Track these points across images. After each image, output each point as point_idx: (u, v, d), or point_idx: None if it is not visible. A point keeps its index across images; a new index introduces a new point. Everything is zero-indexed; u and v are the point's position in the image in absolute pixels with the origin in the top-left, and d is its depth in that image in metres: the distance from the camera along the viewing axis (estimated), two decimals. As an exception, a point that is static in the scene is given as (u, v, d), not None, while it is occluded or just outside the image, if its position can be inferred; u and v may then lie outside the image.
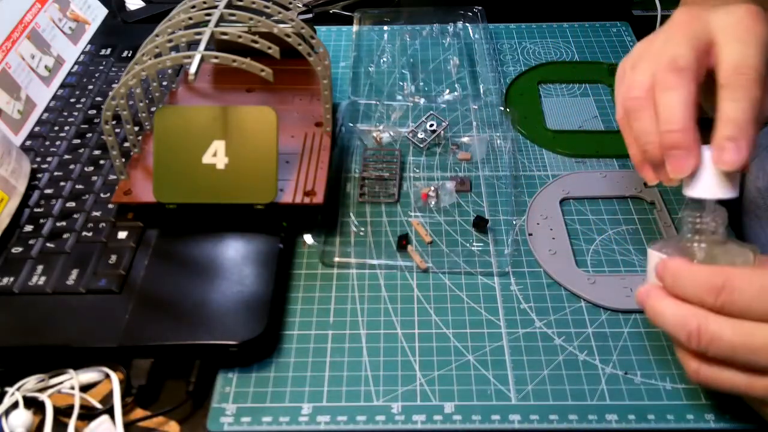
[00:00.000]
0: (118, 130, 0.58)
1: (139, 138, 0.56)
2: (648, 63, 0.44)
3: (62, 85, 0.68)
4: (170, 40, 0.50)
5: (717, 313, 0.39)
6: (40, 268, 0.50)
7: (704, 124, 0.43)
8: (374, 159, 0.61)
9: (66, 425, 0.43)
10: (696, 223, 0.42)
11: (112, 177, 0.57)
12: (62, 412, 0.44)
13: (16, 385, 0.45)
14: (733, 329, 0.38)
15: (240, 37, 0.49)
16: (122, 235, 0.52)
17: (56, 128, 0.63)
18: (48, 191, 0.56)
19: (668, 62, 0.43)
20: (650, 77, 0.44)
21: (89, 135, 0.62)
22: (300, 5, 0.57)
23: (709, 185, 0.42)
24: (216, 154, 0.50)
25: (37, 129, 0.63)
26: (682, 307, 0.40)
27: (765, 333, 0.37)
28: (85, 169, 0.58)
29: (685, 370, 0.41)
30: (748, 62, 0.41)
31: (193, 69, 0.47)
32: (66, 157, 0.60)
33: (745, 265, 0.41)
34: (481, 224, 0.55)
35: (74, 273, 0.49)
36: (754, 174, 0.73)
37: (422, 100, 0.68)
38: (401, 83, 0.70)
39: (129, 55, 0.73)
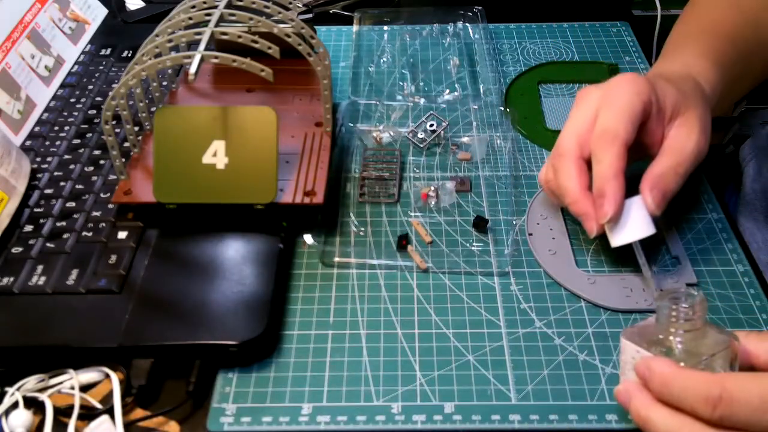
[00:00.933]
0: (118, 130, 0.58)
1: (139, 138, 0.56)
2: (552, 152, 0.52)
3: (62, 85, 0.68)
4: (170, 40, 0.50)
5: (714, 426, 0.36)
6: (40, 268, 0.50)
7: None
8: (374, 159, 0.61)
9: (66, 425, 0.43)
10: (673, 313, 0.40)
11: (112, 177, 0.57)
12: (62, 412, 0.44)
13: (16, 385, 0.45)
14: None
15: (240, 37, 0.49)
16: (122, 235, 0.52)
17: (56, 128, 0.63)
18: (48, 191, 0.56)
19: (557, 149, 0.51)
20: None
21: (89, 135, 0.62)
22: (300, 5, 0.57)
23: (622, 233, 0.48)
24: (216, 154, 0.50)
25: (37, 129, 0.63)
26: (676, 418, 0.37)
27: None
28: (85, 169, 0.58)
29: None
30: (607, 126, 0.48)
31: (193, 69, 0.47)
32: (66, 157, 0.60)
33: (726, 353, 0.39)
34: (481, 224, 0.55)
35: (74, 273, 0.49)
36: (752, 176, 0.74)
37: (422, 100, 0.68)
38: (401, 83, 0.70)
39: (129, 55, 0.73)
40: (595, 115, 0.49)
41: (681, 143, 0.49)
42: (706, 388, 0.36)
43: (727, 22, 0.60)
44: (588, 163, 0.49)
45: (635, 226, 0.48)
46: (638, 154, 0.51)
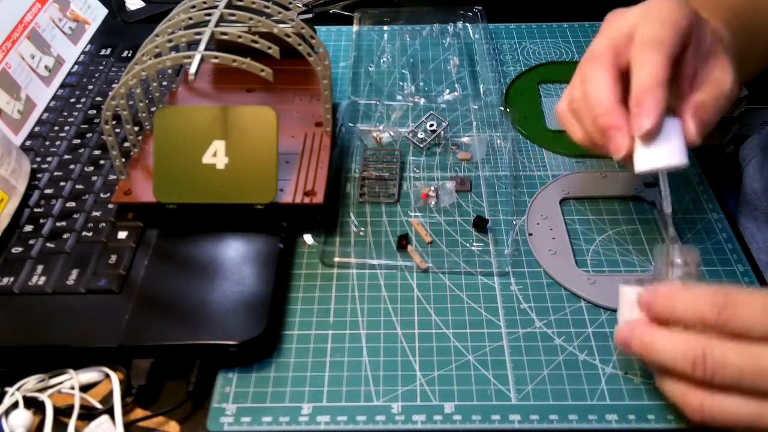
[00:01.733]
0: (118, 130, 0.58)
1: (139, 138, 0.56)
2: (580, 63, 0.48)
3: (62, 85, 0.68)
4: (170, 40, 0.50)
5: (718, 332, 0.37)
6: (40, 268, 0.50)
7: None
8: (374, 159, 0.61)
9: (66, 425, 0.43)
10: (668, 261, 0.42)
11: (112, 177, 0.57)
12: (62, 412, 0.44)
13: (16, 385, 0.45)
14: (739, 352, 0.37)
15: (240, 37, 0.49)
16: (122, 235, 0.52)
17: (56, 128, 0.63)
18: (48, 191, 0.56)
19: (587, 56, 0.47)
20: (580, 76, 0.48)
21: (89, 135, 0.62)
22: (300, 5, 0.57)
23: (653, 156, 0.43)
24: (216, 154, 0.50)
25: (37, 129, 0.63)
26: (681, 335, 0.39)
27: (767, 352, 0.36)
28: (85, 169, 0.58)
29: (686, 410, 0.39)
30: (651, 34, 0.43)
31: (193, 69, 0.47)
32: (66, 157, 0.60)
33: None
34: (480, 224, 0.55)
35: (74, 273, 0.49)
36: (751, 176, 0.74)
37: (422, 100, 0.68)
38: (401, 83, 0.70)
39: (129, 55, 0.73)
40: (633, 30, 0.45)
41: (719, 77, 0.45)
42: (712, 295, 0.38)
43: None
44: (624, 78, 0.45)
45: (669, 151, 0.43)
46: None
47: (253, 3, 0.53)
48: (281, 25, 0.52)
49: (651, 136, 0.43)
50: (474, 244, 0.54)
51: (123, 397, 0.44)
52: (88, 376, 0.46)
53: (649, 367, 0.44)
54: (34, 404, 0.44)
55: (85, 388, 0.45)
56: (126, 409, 0.44)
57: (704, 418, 0.38)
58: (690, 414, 0.39)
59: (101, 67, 0.71)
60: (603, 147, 0.46)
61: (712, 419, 0.38)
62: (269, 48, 0.49)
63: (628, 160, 0.45)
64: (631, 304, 0.42)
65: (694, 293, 0.39)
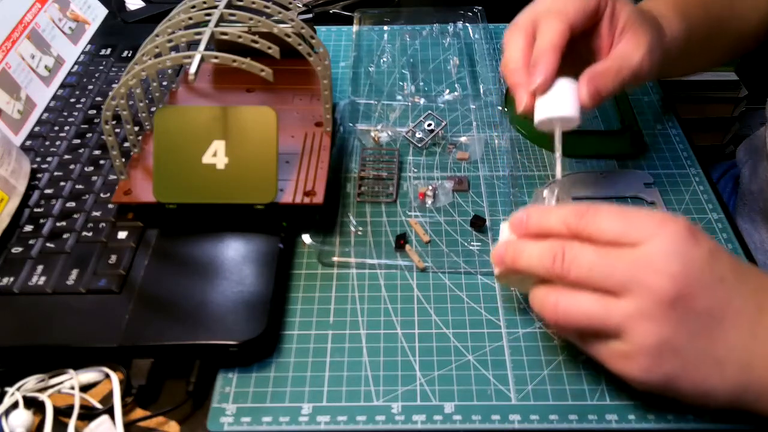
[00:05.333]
0: (118, 130, 0.58)
1: (139, 138, 0.56)
2: (507, 29, 0.53)
3: (62, 85, 0.68)
4: (170, 40, 0.50)
5: (579, 234, 0.42)
6: (40, 268, 0.50)
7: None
8: (372, 159, 0.61)
9: (66, 425, 0.43)
10: (543, 198, 0.50)
11: (112, 177, 0.57)
12: (62, 412, 0.44)
13: (16, 385, 0.45)
14: (593, 249, 0.41)
15: (240, 37, 0.49)
16: (122, 235, 0.52)
17: (56, 128, 0.63)
18: (48, 191, 0.56)
19: (512, 25, 0.52)
20: None
21: (89, 135, 0.62)
22: (300, 5, 0.57)
23: (546, 109, 0.49)
24: (216, 154, 0.50)
25: (37, 129, 0.63)
26: (546, 241, 0.43)
27: (619, 252, 0.40)
28: (85, 169, 0.58)
29: (545, 313, 0.42)
30: (559, 6, 0.49)
31: (193, 69, 0.47)
32: (66, 157, 0.60)
33: None
34: (478, 223, 0.55)
35: (74, 273, 0.49)
36: (748, 177, 0.74)
37: (422, 100, 0.68)
38: (401, 83, 0.70)
39: (129, 55, 0.73)
40: (553, 5, 0.50)
41: (627, 53, 0.50)
42: (577, 207, 0.43)
43: None
44: None
45: (561, 104, 0.48)
46: (584, 62, 0.51)
47: (253, 3, 0.53)
48: (281, 25, 0.52)
49: (543, 90, 0.48)
50: (473, 243, 0.54)
51: (123, 397, 0.44)
52: (88, 376, 0.46)
53: (522, 292, 0.49)
54: (34, 404, 0.44)
55: (85, 388, 0.45)
56: (126, 409, 0.44)
57: (558, 315, 0.41)
58: (547, 315, 0.42)
59: (101, 67, 0.71)
60: (516, 104, 0.51)
61: (565, 316, 0.41)
62: (269, 48, 0.49)
63: (529, 113, 0.50)
64: (508, 235, 0.45)
65: (562, 209, 0.43)
